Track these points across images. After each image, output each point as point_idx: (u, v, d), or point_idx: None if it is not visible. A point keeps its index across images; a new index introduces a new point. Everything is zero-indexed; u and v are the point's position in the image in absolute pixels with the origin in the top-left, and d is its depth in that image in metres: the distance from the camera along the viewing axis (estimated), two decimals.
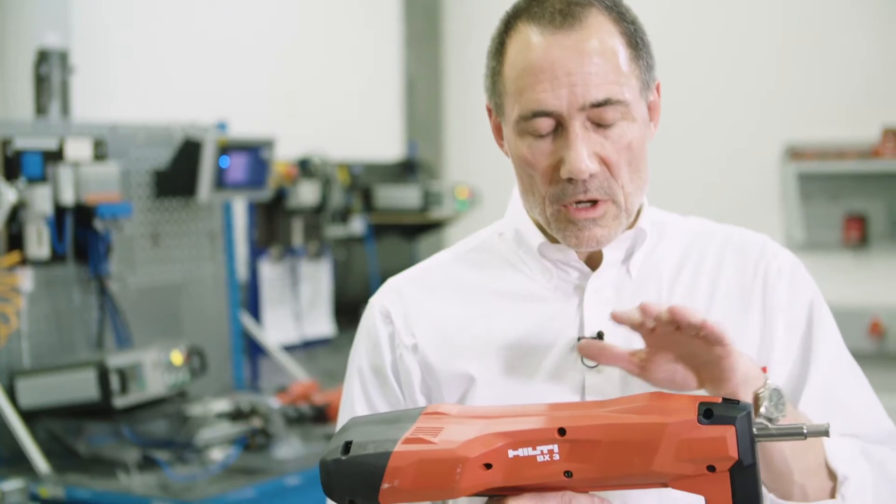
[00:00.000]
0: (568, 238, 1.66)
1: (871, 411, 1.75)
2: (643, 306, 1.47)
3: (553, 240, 1.73)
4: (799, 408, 1.68)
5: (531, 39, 1.63)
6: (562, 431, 1.44)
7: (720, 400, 1.42)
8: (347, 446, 1.50)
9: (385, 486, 1.47)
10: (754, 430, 1.41)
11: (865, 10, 6.20)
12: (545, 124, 1.62)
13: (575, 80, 1.59)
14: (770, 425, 1.44)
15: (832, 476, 1.62)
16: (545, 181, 1.64)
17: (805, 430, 1.42)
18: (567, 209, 1.64)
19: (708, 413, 1.40)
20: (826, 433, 1.42)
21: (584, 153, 1.60)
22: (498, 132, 1.75)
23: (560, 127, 1.62)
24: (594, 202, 1.63)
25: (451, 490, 1.46)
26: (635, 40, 1.67)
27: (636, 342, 1.67)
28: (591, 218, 1.64)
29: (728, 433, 1.39)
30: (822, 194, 6.24)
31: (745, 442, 1.39)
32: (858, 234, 6.13)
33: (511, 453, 1.45)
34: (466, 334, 1.73)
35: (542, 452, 1.44)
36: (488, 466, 1.45)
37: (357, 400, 1.78)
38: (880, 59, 6.15)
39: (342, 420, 1.80)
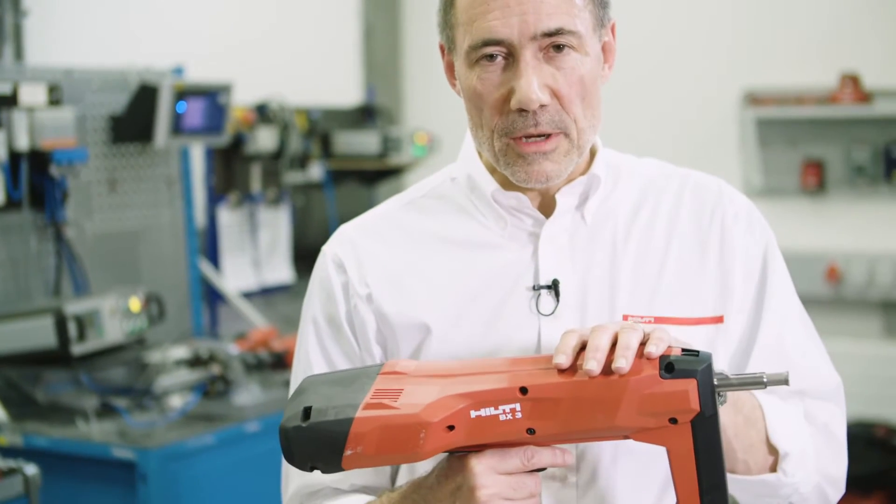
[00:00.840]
0: (517, 173, 1.64)
1: (819, 367, 1.76)
2: None
3: (505, 184, 1.71)
4: (751, 360, 1.70)
5: None
6: (524, 390, 1.44)
7: (680, 351, 1.42)
8: (307, 412, 1.49)
9: (348, 452, 1.47)
10: (715, 381, 1.41)
11: None
12: (495, 51, 1.60)
13: (526, 9, 1.58)
14: (730, 376, 1.44)
15: (774, 451, 1.63)
16: (495, 113, 1.62)
17: (765, 379, 1.43)
18: (516, 143, 1.62)
19: (669, 367, 1.40)
20: (786, 381, 1.43)
21: (534, 83, 1.58)
22: (450, 70, 1.73)
23: (511, 58, 1.60)
24: (546, 136, 1.61)
25: (415, 454, 1.46)
26: None
27: (591, 291, 1.68)
28: (541, 151, 1.62)
29: (690, 386, 1.40)
30: (780, 140, 6.26)
31: (706, 394, 1.40)
32: (816, 179, 6.16)
33: (473, 414, 1.45)
34: (421, 283, 1.71)
35: (504, 412, 1.44)
36: (451, 428, 1.45)
37: (312, 350, 1.77)
38: (839, 4, 6.16)
39: (297, 370, 1.79)
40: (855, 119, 6.07)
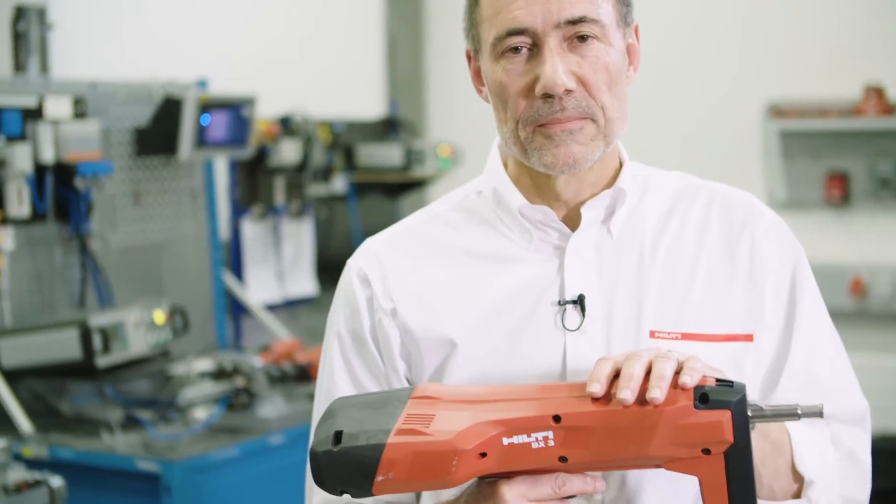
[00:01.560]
0: (544, 157, 1.62)
1: (847, 390, 1.74)
2: None
3: (531, 198, 1.71)
4: (781, 380, 1.68)
5: None
6: (557, 418, 1.43)
7: (714, 382, 1.41)
8: (338, 436, 1.48)
9: (379, 478, 1.46)
10: (749, 412, 1.40)
11: None
12: (520, 41, 1.61)
13: None
14: (764, 406, 1.43)
15: (799, 477, 1.61)
16: (520, 102, 1.62)
17: (799, 412, 1.42)
18: (543, 127, 1.61)
19: (704, 398, 1.39)
20: (820, 414, 1.42)
21: (559, 67, 1.58)
22: (477, 77, 1.73)
23: (535, 48, 1.61)
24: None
25: (447, 481, 1.46)
26: None
27: (617, 306, 1.66)
28: (567, 130, 1.61)
29: (724, 417, 1.38)
30: (803, 152, 6.24)
31: (740, 425, 1.39)
32: (840, 192, 6.14)
33: (506, 441, 1.44)
34: (446, 298, 1.70)
35: (536, 439, 1.43)
36: (483, 455, 1.44)
37: (336, 365, 1.76)
38: (862, 16, 6.14)
39: (321, 384, 1.78)
40: (879, 131, 6.05)
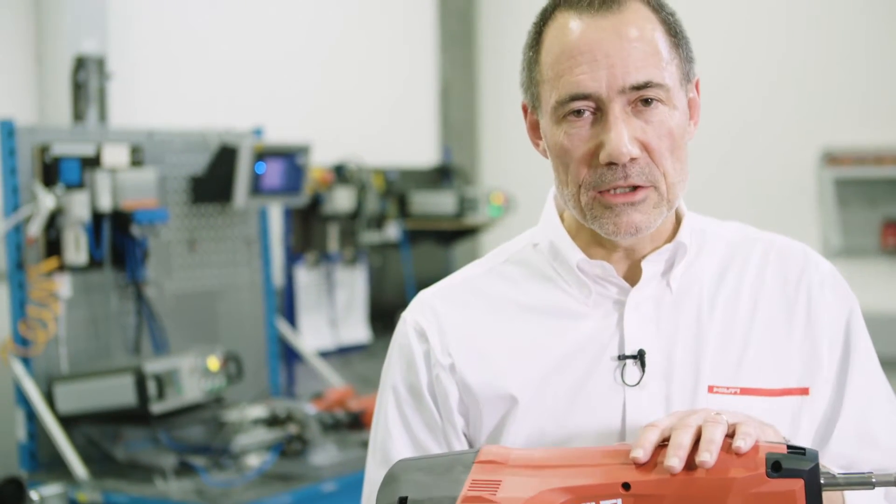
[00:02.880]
0: (605, 226, 1.61)
1: None
2: None
3: (590, 253, 1.69)
4: (833, 436, 1.66)
5: (569, 24, 1.61)
6: (626, 486, 1.40)
7: (786, 449, 1.39)
8: (403, 502, 1.46)
9: None
10: (822, 480, 1.38)
11: None
12: (583, 105, 1.58)
13: (614, 62, 1.57)
14: (836, 474, 1.41)
15: None
16: (582, 168, 1.60)
17: (874, 480, 1.39)
18: (604, 195, 1.59)
19: (776, 466, 1.37)
20: (895, 483, 1.39)
21: (624, 135, 1.56)
22: (534, 130, 1.71)
23: (599, 112, 1.59)
24: (634, 188, 1.59)
25: None
26: (674, 30, 1.64)
27: (676, 361, 1.65)
28: (629, 202, 1.59)
29: (797, 486, 1.36)
30: (859, 200, 6.20)
31: (813, 494, 1.37)
32: None
33: None
34: (504, 353, 1.68)
35: None
36: None
37: (392, 419, 1.73)
38: None
39: (376, 438, 1.76)
40: None
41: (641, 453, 1.41)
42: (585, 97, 1.58)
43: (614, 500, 1.40)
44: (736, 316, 1.68)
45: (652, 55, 1.59)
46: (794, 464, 1.37)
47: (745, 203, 6.30)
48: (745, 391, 1.62)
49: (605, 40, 1.58)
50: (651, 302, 1.68)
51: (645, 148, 1.58)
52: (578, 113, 1.59)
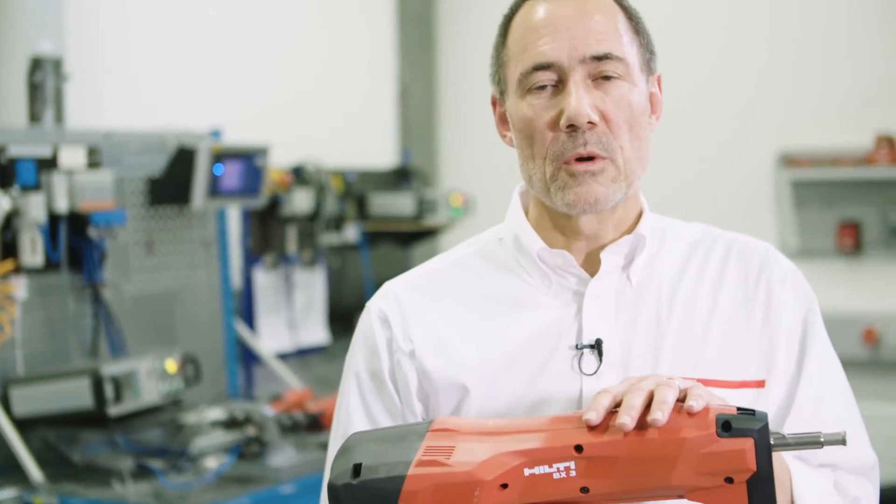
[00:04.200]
0: (567, 196, 1.64)
1: (855, 440, 1.72)
2: None
3: (551, 243, 1.72)
4: (785, 427, 1.68)
5: (535, 7, 1.69)
6: (578, 448, 1.42)
7: (735, 411, 1.41)
8: (357, 469, 1.47)
9: None
10: (771, 440, 1.40)
11: (860, 18, 6.22)
12: (546, 77, 1.64)
13: (575, 34, 1.64)
14: (786, 435, 1.43)
15: None
16: (545, 136, 1.65)
17: (822, 439, 1.42)
18: (568, 165, 1.64)
19: (726, 426, 1.39)
20: (843, 442, 1.41)
21: (584, 99, 1.62)
22: (502, 123, 1.76)
23: (561, 84, 1.64)
24: (593, 158, 1.63)
25: None
26: (636, 20, 1.71)
27: (634, 351, 1.67)
28: (589, 171, 1.63)
29: (747, 445, 1.38)
30: (816, 201, 6.25)
31: (763, 453, 1.39)
32: (852, 240, 6.14)
33: (527, 472, 1.43)
34: (464, 342, 1.71)
35: (558, 469, 1.42)
36: (504, 486, 1.43)
37: (354, 405, 1.76)
38: (874, 66, 6.16)
39: (338, 424, 1.78)
40: (891, 180, 6.05)
41: (594, 415, 1.42)
42: (548, 67, 1.64)
43: (567, 463, 1.42)
44: (695, 309, 1.70)
45: (612, 31, 1.66)
46: (744, 423, 1.39)
47: (702, 204, 6.34)
48: (702, 382, 1.63)
49: (568, 16, 1.65)
50: (611, 294, 1.70)
51: (604, 117, 1.63)
52: (542, 87, 1.65)
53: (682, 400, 1.43)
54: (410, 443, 1.48)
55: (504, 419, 1.54)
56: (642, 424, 1.41)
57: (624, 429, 1.40)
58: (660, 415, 1.40)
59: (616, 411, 1.43)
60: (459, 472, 1.43)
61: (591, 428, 1.43)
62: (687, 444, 1.39)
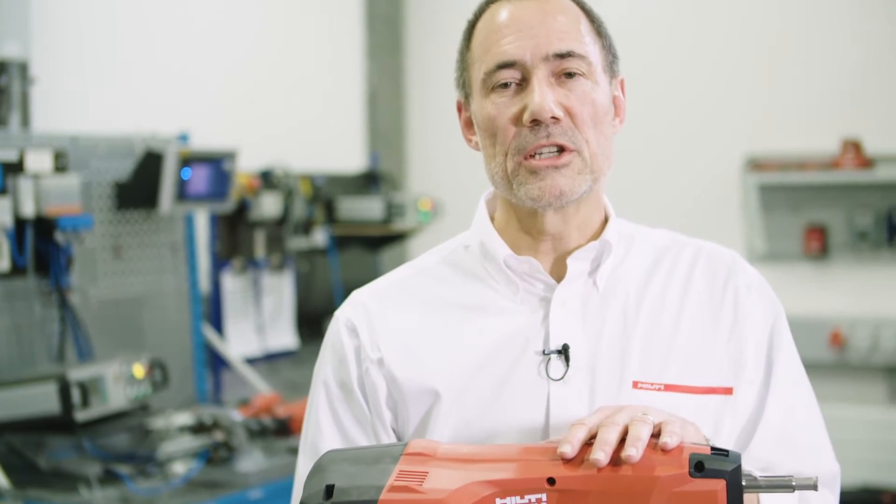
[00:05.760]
0: (530, 191, 1.66)
1: (822, 451, 1.75)
2: None
3: (517, 249, 1.73)
4: (754, 440, 1.69)
5: (498, 10, 1.70)
6: (551, 481, 1.42)
7: (709, 451, 1.41)
8: (329, 490, 1.46)
9: None
10: (743, 482, 1.40)
11: (826, 23, 6.25)
12: (510, 75, 1.66)
13: (538, 33, 1.65)
14: (758, 477, 1.43)
15: None
16: (508, 132, 1.66)
17: (794, 483, 1.42)
18: (529, 161, 1.65)
19: (699, 466, 1.39)
20: (814, 487, 1.42)
21: (548, 95, 1.63)
22: (468, 127, 1.77)
23: (524, 82, 1.66)
24: (559, 151, 1.64)
25: None
26: (597, 22, 1.73)
27: (601, 356, 1.67)
28: (553, 165, 1.64)
29: (719, 487, 1.39)
30: (782, 205, 6.28)
31: (734, 495, 1.39)
32: (819, 244, 6.17)
33: (499, 502, 1.43)
34: (432, 349, 1.72)
35: (529, 501, 1.42)
36: None
37: (323, 414, 1.76)
38: (840, 70, 6.20)
39: (307, 434, 1.78)
40: (857, 184, 6.09)
41: (569, 448, 1.43)
42: (511, 65, 1.66)
43: (539, 495, 1.42)
44: (662, 315, 1.72)
45: (574, 31, 1.67)
46: (717, 464, 1.40)
47: (669, 208, 6.36)
48: (669, 388, 1.65)
49: (531, 16, 1.67)
50: (577, 299, 1.71)
51: (568, 112, 1.65)
52: (505, 86, 1.66)
53: (656, 435, 1.43)
54: (384, 466, 1.47)
55: (478, 446, 1.54)
56: (616, 460, 1.41)
57: (598, 465, 1.41)
58: (633, 451, 1.40)
59: (591, 443, 1.43)
60: (431, 500, 1.43)
61: (566, 462, 1.43)
62: (659, 483, 1.40)
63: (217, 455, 4.17)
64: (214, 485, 3.98)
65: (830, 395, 5.72)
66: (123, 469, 3.99)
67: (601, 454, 1.41)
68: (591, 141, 1.66)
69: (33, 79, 4.49)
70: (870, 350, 6.03)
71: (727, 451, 1.42)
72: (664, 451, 1.41)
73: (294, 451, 4.02)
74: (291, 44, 6.32)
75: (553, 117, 1.63)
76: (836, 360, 6.05)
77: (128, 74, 5.27)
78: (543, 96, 1.62)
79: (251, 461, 4.15)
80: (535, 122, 1.63)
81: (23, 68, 4.45)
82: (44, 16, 4.81)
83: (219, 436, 4.21)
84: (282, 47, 6.25)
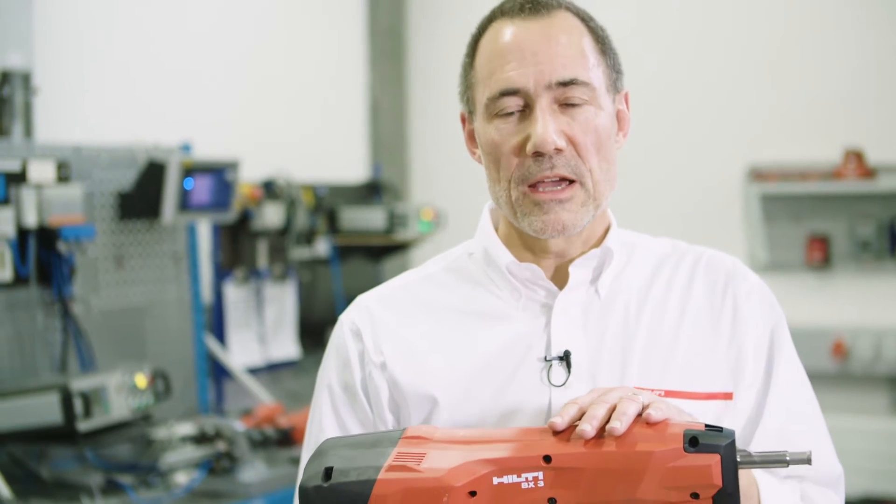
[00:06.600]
0: (533, 223, 1.67)
1: (823, 453, 1.75)
2: None
3: (520, 257, 1.74)
4: (754, 440, 1.69)
5: (502, 29, 1.70)
6: (547, 459, 1.44)
7: (703, 427, 1.43)
8: (328, 472, 1.49)
9: None
10: (738, 457, 1.42)
11: (826, 34, 6.26)
12: (513, 103, 1.66)
13: (541, 60, 1.65)
14: (753, 453, 1.45)
15: None
16: (511, 161, 1.67)
17: (787, 458, 1.44)
18: (532, 191, 1.66)
19: (693, 441, 1.41)
20: (808, 461, 1.43)
21: (550, 125, 1.63)
22: (471, 140, 1.78)
23: (528, 109, 1.66)
24: (562, 182, 1.65)
25: None
26: (602, 39, 1.73)
27: (603, 363, 1.68)
28: (557, 199, 1.66)
29: (713, 461, 1.40)
30: (784, 215, 6.28)
31: (729, 470, 1.41)
32: (821, 254, 6.17)
33: (496, 480, 1.45)
34: (434, 355, 1.73)
35: (526, 479, 1.45)
36: (473, 494, 1.45)
37: (326, 417, 1.78)
38: (842, 80, 6.20)
39: (310, 436, 1.80)
40: (859, 195, 6.09)
41: (559, 420, 1.46)
42: (514, 92, 1.66)
43: (536, 473, 1.45)
44: (663, 322, 1.73)
45: (578, 56, 1.67)
46: (711, 440, 1.42)
47: (672, 218, 6.36)
48: (669, 394, 1.66)
49: (534, 41, 1.66)
50: (579, 307, 1.73)
51: (571, 142, 1.65)
52: (509, 114, 1.66)
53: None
54: (382, 449, 1.50)
55: (475, 429, 1.57)
56: (603, 435, 1.43)
57: (584, 436, 1.43)
58: (618, 424, 1.43)
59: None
60: (429, 478, 1.45)
61: (557, 434, 1.46)
62: (654, 459, 1.41)
63: (219, 465, 4.16)
64: (216, 495, 3.98)
65: (833, 405, 5.71)
66: (125, 479, 3.99)
67: (587, 426, 1.43)
68: (595, 169, 1.67)
69: (36, 89, 4.50)
70: (872, 360, 6.03)
71: (721, 427, 1.44)
72: (648, 423, 1.43)
73: (296, 462, 4.02)
74: (294, 54, 6.33)
75: (556, 148, 1.64)
76: (839, 371, 6.05)
77: (130, 85, 5.28)
78: (546, 128, 1.63)
79: (253, 471, 4.15)
80: (538, 154, 1.64)
81: (26, 79, 4.46)
82: (47, 27, 4.82)
83: (221, 446, 4.21)
84: (284, 58, 6.25)
